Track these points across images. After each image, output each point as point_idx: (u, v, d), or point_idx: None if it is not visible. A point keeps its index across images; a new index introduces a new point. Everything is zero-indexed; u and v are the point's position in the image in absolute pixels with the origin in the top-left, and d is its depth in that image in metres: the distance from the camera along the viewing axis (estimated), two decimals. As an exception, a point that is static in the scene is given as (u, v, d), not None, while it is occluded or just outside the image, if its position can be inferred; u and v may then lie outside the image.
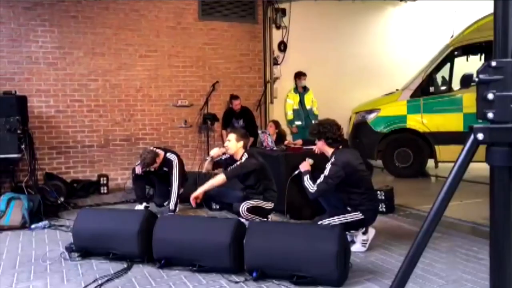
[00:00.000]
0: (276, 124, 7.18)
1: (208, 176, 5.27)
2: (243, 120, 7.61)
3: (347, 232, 3.76)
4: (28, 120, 6.19)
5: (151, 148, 5.56)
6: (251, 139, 7.11)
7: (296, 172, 4.18)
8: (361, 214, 3.85)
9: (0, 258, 4.01)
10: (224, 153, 4.80)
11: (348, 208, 3.90)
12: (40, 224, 4.98)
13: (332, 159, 3.87)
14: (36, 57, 6.86)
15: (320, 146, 4.04)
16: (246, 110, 7.76)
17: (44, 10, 6.86)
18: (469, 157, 1.19)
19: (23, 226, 4.93)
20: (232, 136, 4.60)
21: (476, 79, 1.13)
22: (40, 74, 6.89)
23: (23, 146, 5.43)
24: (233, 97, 7.70)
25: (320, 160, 4.14)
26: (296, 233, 3.43)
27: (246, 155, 4.54)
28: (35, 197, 5.29)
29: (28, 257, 4.00)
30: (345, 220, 3.82)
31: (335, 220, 3.83)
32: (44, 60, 6.91)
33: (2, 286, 3.35)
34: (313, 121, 7.78)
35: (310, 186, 3.85)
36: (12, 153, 5.33)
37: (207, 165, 4.90)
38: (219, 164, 4.94)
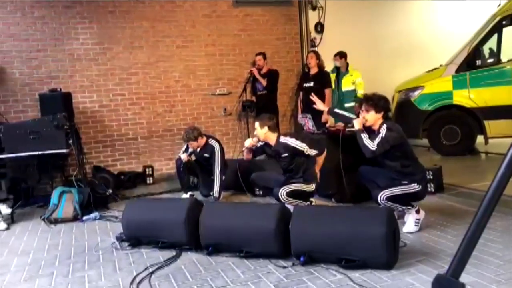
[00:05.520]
0: (317, 54, 7.08)
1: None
2: (266, 80, 7.52)
3: (405, 208, 3.81)
4: (74, 116, 6.40)
5: (198, 128, 5.68)
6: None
7: (351, 126, 4.13)
8: (417, 185, 3.82)
9: (56, 249, 4.17)
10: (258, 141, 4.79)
11: (404, 181, 3.83)
12: (91, 215, 5.14)
13: (385, 126, 3.84)
14: (78, 54, 7.04)
15: (376, 119, 3.94)
16: (272, 72, 7.62)
17: (82, 7, 7.02)
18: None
19: (75, 218, 5.10)
20: (256, 125, 4.65)
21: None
22: (83, 70, 7.08)
23: (70, 141, 5.61)
24: (257, 53, 7.64)
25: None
26: (342, 216, 3.38)
27: (283, 138, 4.54)
28: (85, 190, 5.46)
29: (81, 247, 4.15)
30: (407, 191, 3.80)
31: (397, 190, 3.77)
32: (86, 56, 7.08)
33: (59, 275, 3.49)
34: (345, 105, 7.50)
35: (370, 143, 3.81)
36: (61, 148, 5.51)
37: (246, 155, 4.89)
38: (257, 153, 4.94)
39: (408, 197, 3.84)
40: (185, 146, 5.75)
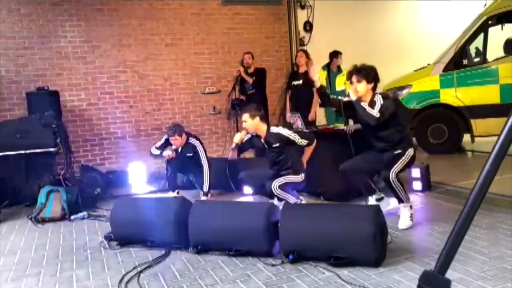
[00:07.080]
0: (306, 53, 7.10)
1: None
2: (254, 78, 7.53)
3: (404, 194, 3.87)
4: (62, 114, 6.34)
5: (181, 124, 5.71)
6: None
7: (346, 99, 4.11)
8: (411, 149, 3.94)
9: (43, 248, 4.14)
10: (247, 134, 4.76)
11: (396, 152, 3.89)
12: (79, 215, 5.10)
13: (379, 96, 3.88)
14: (65, 52, 6.98)
15: (367, 90, 3.92)
16: (259, 70, 7.64)
17: (70, 5, 6.96)
18: (516, 127, 1.12)
19: (63, 217, 5.06)
20: (245, 116, 4.57)
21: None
22: (71, 68, 7.02)
23: (58, 140, 5.57)
24: (245, 52, 7.67)
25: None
26: (331, 214, 3.40)
27: (275, 128, 4.54)
28: (73, 189, 5.42)
29: (69, 247, 4.12)
30: (405, 162, 3.89)
31: (398, 166, 3.83)
32: (74, 54, 7.03)
33: (47, 275, 3.46)
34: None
35: (372, 110, 3.79)
36: (49, 147, 5.47)
37: (231, 155, 4.81)
38: (244, 149, 4.92)
39: (408, 165, 4.00)
40: (162, 141, 5.69)
